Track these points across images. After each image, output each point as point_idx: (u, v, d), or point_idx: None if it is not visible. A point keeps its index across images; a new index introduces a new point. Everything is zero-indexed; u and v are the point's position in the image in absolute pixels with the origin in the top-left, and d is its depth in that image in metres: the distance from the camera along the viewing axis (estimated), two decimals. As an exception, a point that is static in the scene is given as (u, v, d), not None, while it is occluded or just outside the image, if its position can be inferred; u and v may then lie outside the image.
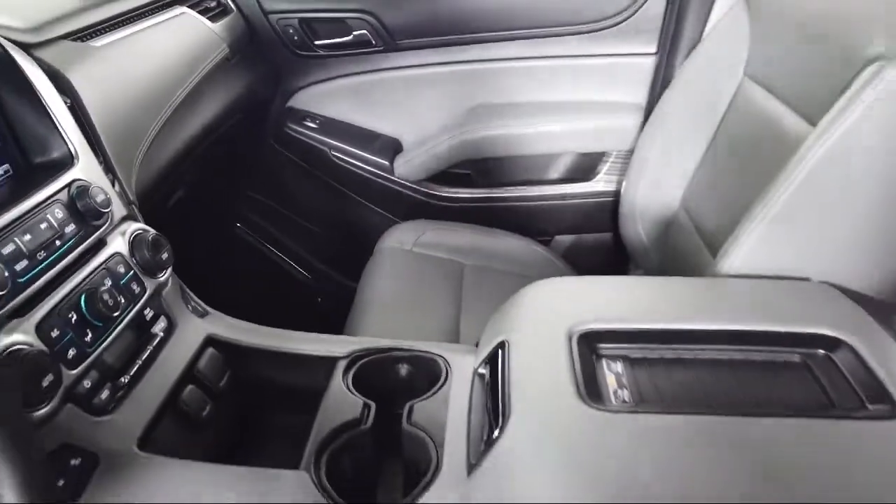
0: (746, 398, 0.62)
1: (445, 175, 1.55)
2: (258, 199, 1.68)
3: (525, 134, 1.47)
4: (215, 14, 1.34)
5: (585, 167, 1.51)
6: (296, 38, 1.46)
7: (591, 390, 0.61)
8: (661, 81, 1.38)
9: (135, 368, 0.73)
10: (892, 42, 0.75)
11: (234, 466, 0.65)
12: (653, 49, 1.41)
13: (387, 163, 1.53)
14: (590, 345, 0.67)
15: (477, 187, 1.54)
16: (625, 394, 0.62)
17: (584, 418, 0.58)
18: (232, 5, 1.41)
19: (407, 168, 1.53)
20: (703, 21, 1.30)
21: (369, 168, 1.54)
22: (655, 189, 1.21)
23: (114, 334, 0.70)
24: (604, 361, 0.67)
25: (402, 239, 1.32)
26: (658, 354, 0.67)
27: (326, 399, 0.74)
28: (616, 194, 1.42)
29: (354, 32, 1.45)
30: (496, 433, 0.60)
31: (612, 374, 0.65)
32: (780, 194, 0.80)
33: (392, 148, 1.55)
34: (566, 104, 1.48)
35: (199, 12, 1.28)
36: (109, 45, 0.98)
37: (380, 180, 1.54)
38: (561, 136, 1.47)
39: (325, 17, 1.45)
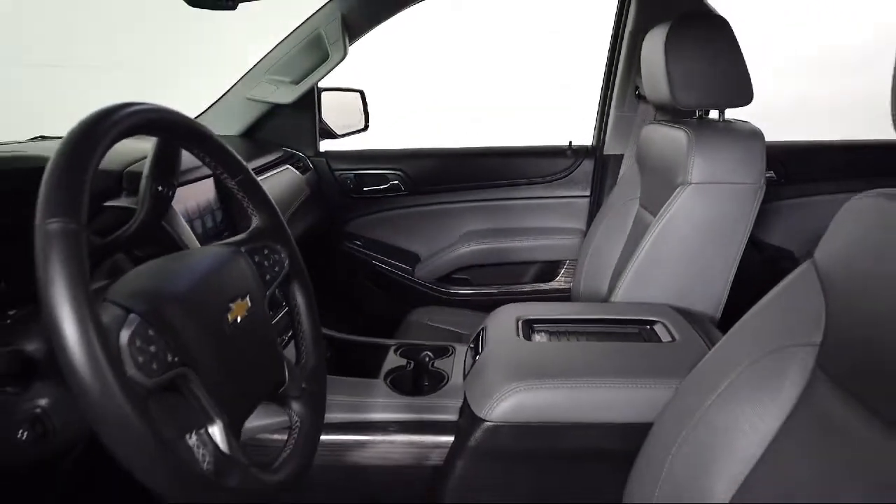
0: (607, 339, 1.25)
1: (449, 277, 2.21)
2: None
3: (504, 248, 2.16)
4: (302, 169, 2.06)
5: (548, 270, 2.18)
6: (351, 185, 2.19)
7: (525, 336, 1.23)
8: (589, 214, 2.09)
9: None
10: (685, 176, 1.45)
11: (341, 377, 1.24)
12: (587, 193, 2.14)
13: (409, 268, 2.20)
14: (529, 325, 1.30)
15: (472, 286, 2.20)
16: (542, 336, 1.24)
17: (519, 344, 1.19)
18: (310, 164, 2.14)
19: (423, 272, 2.19)
20: (615, 176, 2.04)
21: (397, 272, 2.20)
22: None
23: None
24: (535, 333, 1.29)
25: (420, 317, 1.92)
26: (563, 328, 1.30)
27: (386, 362, 1.34)
28: (569, 290, 2.06)
29: (390, 182, 2.18)
30: (477, 358, 1.21)
31: (538, 334, 1.27)
32: (643, 251, 1.45)
33: (413, 258, 2.23)
34: (531, 229, 2.18)
35: (294, 167, 2.00)
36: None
37: (405, 281, 2.19)
38: (527, 249, 2.16)
39: (370, 173, 2.19)
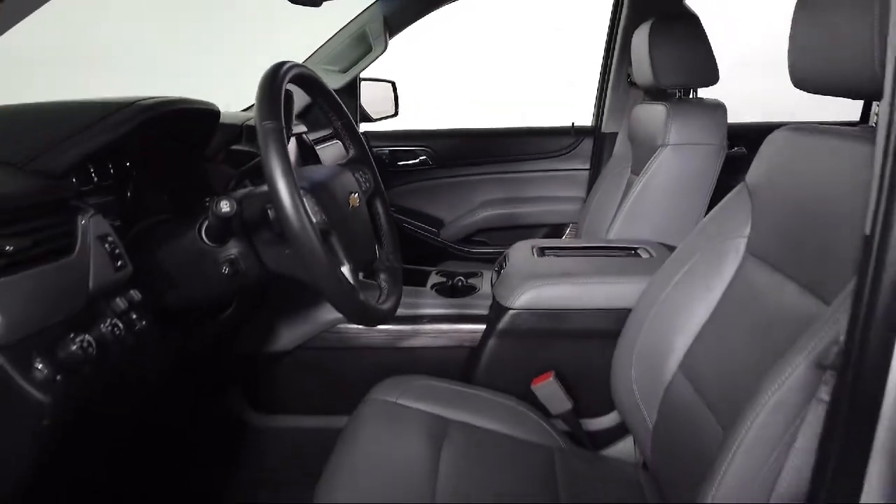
0: (601, 256, 1.63)
1: (469, 239, 2.59)
2: None
3: (515, 213, 2.55)
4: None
5: (554, 232, 2.57)
6: (386, 160, 2.58)
7: (539, 255, 1.61)
8: (589, 184, 2.48)
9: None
10: (664, 139, 1.83)
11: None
12: (587, 166, 2.53)
13: (436, 230, 2.58)
14: (542, 250, 1.68)
15: (489, 246, 2.58)
16: (552, 256, 1.63)
17: (535, 260, 1.58)
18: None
19: (447, 234, 2.58)
20: (611, 151, 2.42)
21: (423, 234, 2.58)
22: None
23: None
24: (546, 254, 1.67)
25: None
26: (568, 252, 1.68)
27: (430, 280, 1.71)
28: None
29: (420, 157, 2.57)
30: (502, 271, 1.59)
31: (548, 255, 1.65)
32: (630, 200, 1.84)
33: (439, 223, 2.61)
34: (539, 197, 2.57)
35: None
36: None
37: (432, 241, 2.58)
38: (536, 214, 2.55)
39: (403, 149, 2.58)
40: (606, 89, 2.48)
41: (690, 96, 1.95)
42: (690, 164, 1.81)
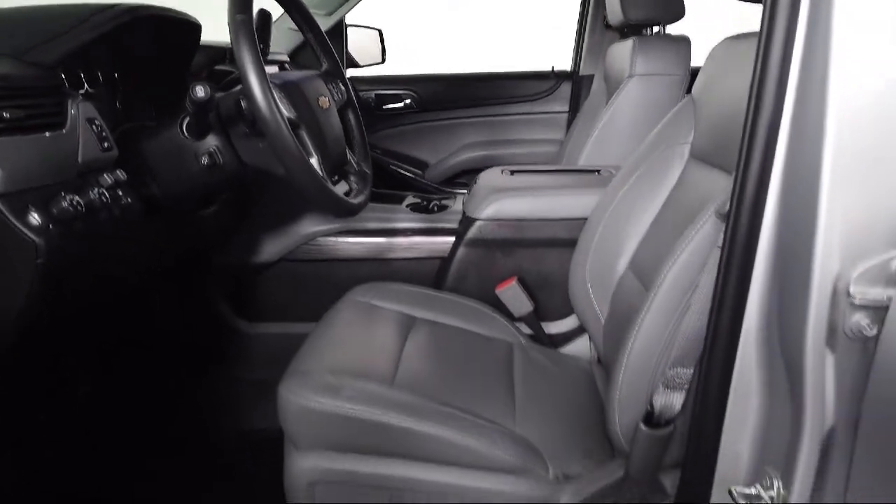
0: (564, 175, 1.73)
1: (452, 182, 2.70)
2: None
3: (497, 154, 2.64)
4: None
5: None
6: (372, 104, 2.67)
7: (508, 175, 1.71)
8: (567, 126, 2.57)
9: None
10: (631, 70, 1.92)
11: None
12: (566, 109, 2.62)
13: (420, 172, 2.69)
14: (510, 171, 1.78)
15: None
16: (520, 175, 1.73)
17: (504, 178, 1.68)
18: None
19: (431, 175, 2.68)
20: (587, 93, 2.51)
21: (409, 175, 2.69)
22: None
23: None
24: (515, 174, 1.77)
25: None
26: (536, 174, 1.78)
27: (406, 200, 1.82)
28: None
29: (405, 101, 2.66)
30: (472, 188, 1.69)
31: (517, 175, 1.75)
32: (598, 128, 1.94)
33: (423, 165, 2.71)
34: (519, 140, 2.66)
35: (328, 85, 2.48)
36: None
37: (416, 183, 2.68)
38: (517, 156, 2.64)
39: (388, 94, 2.67)
40: (584, 33, 2.56)
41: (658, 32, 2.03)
42: (655, 93, 1.90)
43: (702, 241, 0.94)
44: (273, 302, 1.68)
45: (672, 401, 0.92)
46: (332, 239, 1.65)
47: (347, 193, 1.30)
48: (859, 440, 0.70)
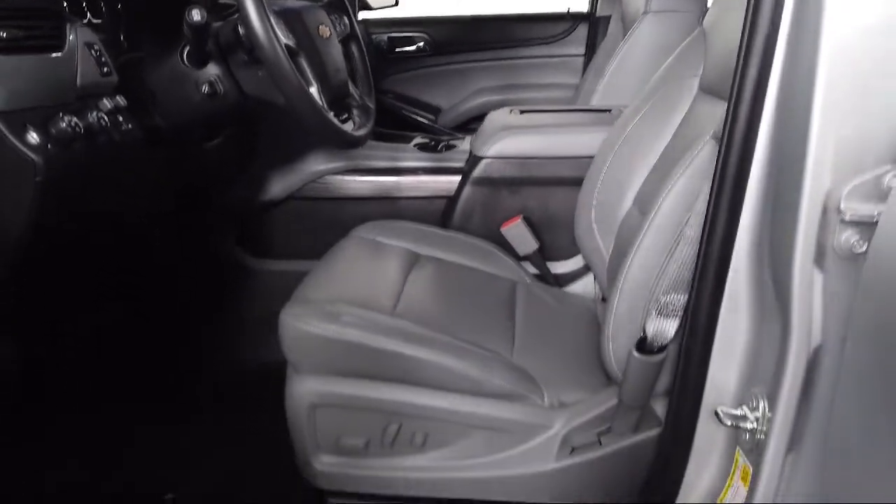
0: (573, 113, 1.70)
1: (465, 127, 2.67)
2: None
3: (511, 99, 2.60)
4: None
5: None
6: (384, 47, 2.64)
7: (517, 113, 1.69)
8: (583, 69, 2.51)
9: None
10: (647, 7, 1.86)
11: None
12: (582, 52, 2.56)
13: (433, 117, 2.66)
14: (520, 111, 1.75)
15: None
16: (530, 114, 1.70)
17: (513, 116, 1.66)
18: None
19: (444, 120, 2.66)
20: (604, 35, 2.45)
21: (422, 120, 2.66)
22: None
23: None
24: (525, 113, 1.74)
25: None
26: (546, 113, 1.75)
27: (414, 140, 1.81)
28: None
29: (417, 44, 2.63)
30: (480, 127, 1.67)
31: (527, 114, 1.73)
32: (612, 66, 1.89)
33: (436, 110, 2.69)
34: (533, 84, 2.62)
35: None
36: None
37: (427, 127, 2.66)
38: (531, 101, 2.60)
39: (401, 36, 2.63)
40: (602, -28, 2.49)
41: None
42: (670, 30, 1.84)
43: (699, 166, 0.93)
44: (280, 239, 1.70)
45: (665, 327, 0.92)
46: (339, 177, 1.65)
47: (350, 127, 1.30)
48: (846, 359, 0.70)
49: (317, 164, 1.64)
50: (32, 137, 0.85)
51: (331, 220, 1.66)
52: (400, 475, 1.09)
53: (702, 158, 0.93)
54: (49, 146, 0.86)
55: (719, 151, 0.80)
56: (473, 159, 1.59)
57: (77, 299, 1.36)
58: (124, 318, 1.54)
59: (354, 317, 1.09)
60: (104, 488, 1.28)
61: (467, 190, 1.58)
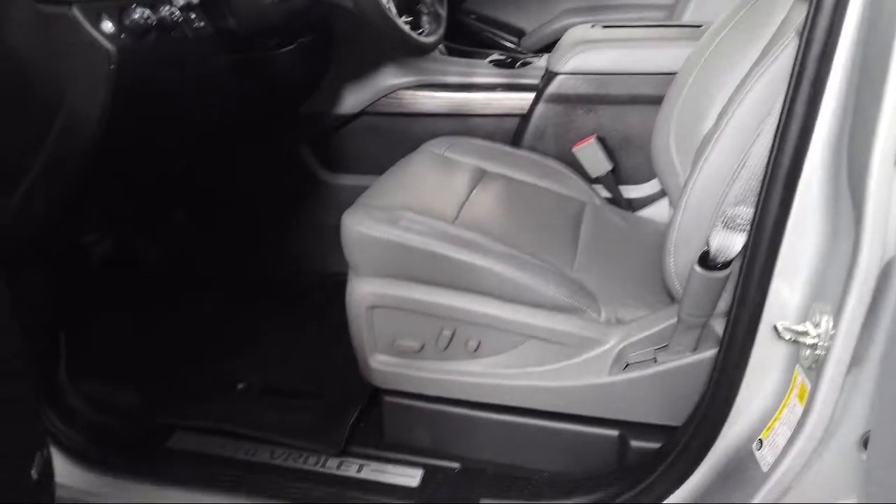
0: (661, 28, 1.60)
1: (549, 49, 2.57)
2: None
3: (595, 20, 2.47)
4: None
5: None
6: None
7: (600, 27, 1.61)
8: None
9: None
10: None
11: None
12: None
13: (516, 40, 2.58)
14: (603, 26, 1.67)
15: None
16: (612, 28, 1.62)
17: (593, 31, 1.57)
18: None
19: (527, 43, 2.57)
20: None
21: (504, 43, 2.58)
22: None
23: None
24: (607, 28, 1.66)
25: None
26: (628, 28, 1.66)
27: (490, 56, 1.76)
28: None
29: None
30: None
31: (608, 28, 1.64)
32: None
33: (519, 32, 2.60)
34: (623, 5, 2.47)
35: None
36: None
37: (509, 50, 2.58)
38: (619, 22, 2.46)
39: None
40: None
41: None
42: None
43: (780, 68, 0.86)
44: (352, 154, 1.72)
45: (730, 242, 0.88)
46: (412, 92, 1.64)
47: (420, 34, 1.28)
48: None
49: (390, 78, 1.64)
50: (107, 26, 0.88)
51: (401, 136, 1.66)
52: (452, 379, 1.12)
53: (783, 60, 0.86)
54: (123, 36, 0.90)
55: (798, 47, 0.73)
56: (548, 75, 1.53)
57: (143, 200, 1.44)
58: (190, 222, 1.63)
59: (414, 222, 1.10)
60: (182, 374, 1.39)
61: (540, 107, 1.54)
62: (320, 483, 1.12)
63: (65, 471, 1.08)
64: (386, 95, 1.65)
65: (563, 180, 1.45)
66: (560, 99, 1.52)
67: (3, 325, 0.97)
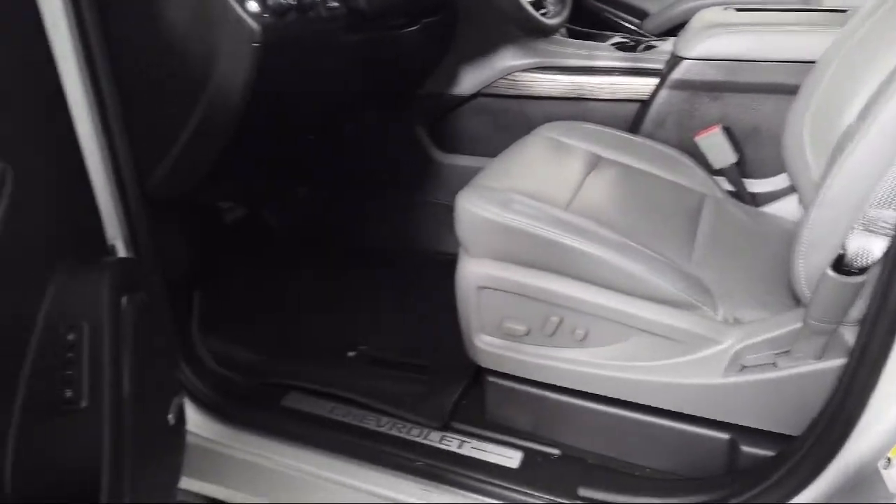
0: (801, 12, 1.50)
1: (672, 32, 2.46)
2: None
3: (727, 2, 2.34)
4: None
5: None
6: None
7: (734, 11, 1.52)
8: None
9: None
10: None
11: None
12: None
13: (638, 21, 2.49)
14: (737, 9, 1.58)
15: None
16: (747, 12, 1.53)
17: (725, 13, 1.49)
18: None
19: (650, 26, 2.47)
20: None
21: (625, 24, 2.50)
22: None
23: None
24: (742, 11, 1.57)
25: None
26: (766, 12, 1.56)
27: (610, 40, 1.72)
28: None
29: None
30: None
31: (743, 12, 1.55)
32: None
33: (642, 13, 2.51)
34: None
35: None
36: None
37: (630, 31, 2.49)
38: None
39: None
40: None
41: None
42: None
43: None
44: (465, 135, 1.74)
45: (870, 246, 0.82)
46: (529, 74, 1.63)
47: (543, 15, 1.27)
48: None
49: (508, 60, 1.63)
50: (252, 6, 0.94)
51: (515, 119, 1.66)
52: (557, 365, 1.12)
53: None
54: (265, 15, 0.95)
55: None
56: (674, 60, 1.47)
57: (271, 173, 1.51)
58: (311, 195, 1.70)
59: (527, 206, 1.10)
60: (298, 337, 1.47)
61: (663, 93, 1.49)
62: (422, 454, 1.15)
63: (194, 419, 1.18)
64: (502, 77, 1.65)
65: (683, 170, 1.40)
66: (685, 85, 1.46)
67: (152, 280, 1.07)
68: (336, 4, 1.10)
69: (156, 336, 0.91)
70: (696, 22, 1.53)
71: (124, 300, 0.82)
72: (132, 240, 1.06)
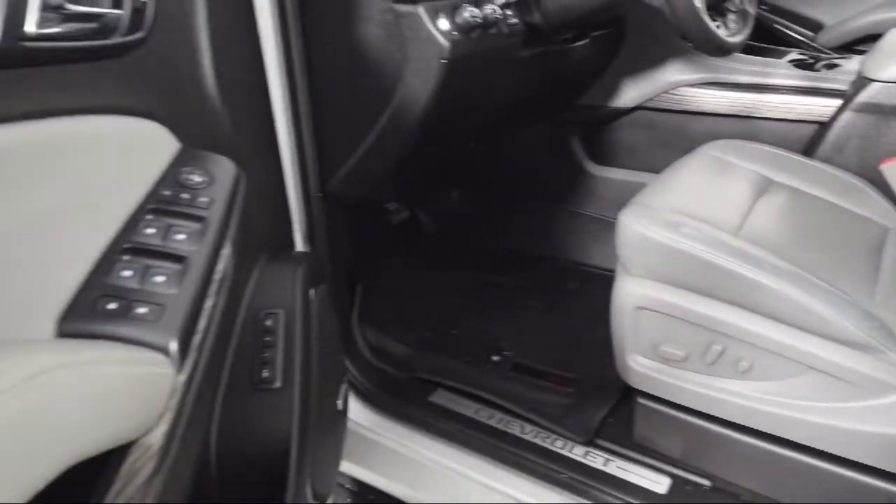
0: None
1: (850, 48, 2.29)
2: None
3: None
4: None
5: None
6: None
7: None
8: None
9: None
10: None
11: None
12: None
13: (812, 34, 2.33)
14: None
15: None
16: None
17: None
18: None
19: (824, 39, 2.31)
20: None
21: (797, 38, 2.35)
22: None
23: None
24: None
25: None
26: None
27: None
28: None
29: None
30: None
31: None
32: None
33: (816, 26, 2.35)
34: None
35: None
36: None
37: (804, 42, 2.34)
38: None
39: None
40: None
41: None
42: None
43: None
44: (621, 148, 1.71)
45: None
46: (696, 90, 1.58)
47: (723, 33, 1.22)
48: None
49: (674, 74, 1.59)
50: (443, 24, 0.99)
51: (676, 134, 1.62)
52: (716, 396, 1.08)
53: None
54: (454, 32, 0.99)
55: None
56: (861, 81, 1.38)
57: (431, 177, 1.57)
58: (463, 199, 1.75)
59: (695, 230, 1.08)
60: (445, 336, 1.52)
61: (846, 116, 1.39)
62: (565, 467, 1.16)
63: (352, 407, 1.26)
64: (666, 91, 1.61)
65: (864, 200, 1.31)
66: (873, 109, 1.36)
67: (335, 270, 1.15)
68: (515, 21, 1.13)
69: (333, 321, 0.99)
70: (890, 39, 1.42)
71: (312, 292, 0.90)
72: (309, 235, 1.15)
